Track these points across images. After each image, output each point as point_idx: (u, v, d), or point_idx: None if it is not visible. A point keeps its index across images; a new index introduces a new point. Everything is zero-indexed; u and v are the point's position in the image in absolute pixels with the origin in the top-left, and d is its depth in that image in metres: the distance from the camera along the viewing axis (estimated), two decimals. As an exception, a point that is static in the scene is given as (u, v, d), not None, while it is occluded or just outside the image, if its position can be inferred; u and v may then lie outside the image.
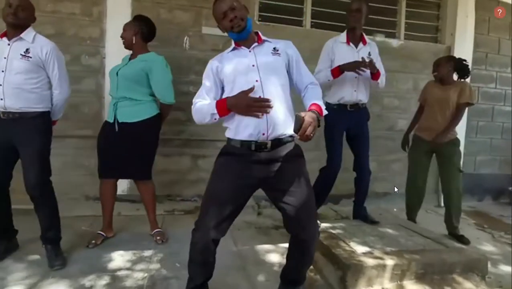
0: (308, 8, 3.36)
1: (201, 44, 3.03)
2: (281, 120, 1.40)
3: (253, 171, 1.41)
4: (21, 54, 1.91)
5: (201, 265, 1.49)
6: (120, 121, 2.19)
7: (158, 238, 2.32)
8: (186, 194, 3.00)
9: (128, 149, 2.19)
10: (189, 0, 3.00)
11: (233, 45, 1.52)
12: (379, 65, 2.40)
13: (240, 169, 1.41)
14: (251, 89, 1.37)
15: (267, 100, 1.37)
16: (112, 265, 1.98)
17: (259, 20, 3.26)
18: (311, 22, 3.37)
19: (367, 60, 2.26)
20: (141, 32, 2.25)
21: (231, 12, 1.43)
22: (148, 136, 2.26)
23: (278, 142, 1.42)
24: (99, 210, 2.36)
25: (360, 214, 2.54)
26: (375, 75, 2.35)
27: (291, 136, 1.44)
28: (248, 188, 1.46)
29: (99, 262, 2.00)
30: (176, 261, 2.00)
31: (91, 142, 2.83)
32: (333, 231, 2.20)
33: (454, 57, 2.79)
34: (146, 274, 1.88)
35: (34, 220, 1.99)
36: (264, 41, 1.52)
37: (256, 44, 1.49)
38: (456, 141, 2.67)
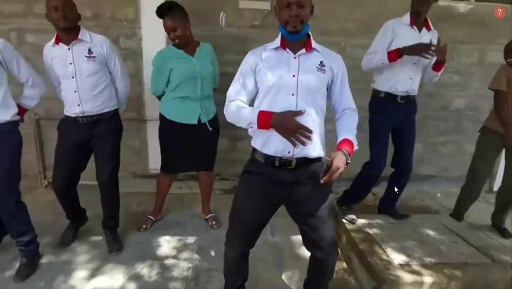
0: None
1: (239, 20, 2.79)
2: (309, 143, 1.32)
3: (277, 191, 1.40)
4: (85, 56, 1.88)
5: (235, 272, 1.61)
6: (203, 121, 2.19)
7: (213, 222, 2.48)
8: (226, 173, 3.09)
9: (206, 144, 2.27)
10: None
11: (278, 42, 1.37)
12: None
13: (265, 189, 1.40)
14: (300, 112, 1.29)
15: (311, 132, 1.29)
16: (161, 252, 2.18)
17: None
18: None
19: (434, 43, 2.00)
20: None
21: (298, 8, 1.25)
22: (218, 129, 2.33)
23: (303, 160, 1.36)
24: (146, 188, 2.54)
25: (388, 211, 2.47)
26: (439, 65, 2.10)
27: (317, 158, 1.38)
28: (273, 206, 1.47)
29: (149, 247, 2.21)
30: (218, 250, 2.10)
31: (134, 124, 2.96)
32: (370, 231, 2.19)
33: None
34: (190, 264, 2.06)
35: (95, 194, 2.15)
36: (313, 49, 1.36)
37: (304, 51, 1.34)
38: None
